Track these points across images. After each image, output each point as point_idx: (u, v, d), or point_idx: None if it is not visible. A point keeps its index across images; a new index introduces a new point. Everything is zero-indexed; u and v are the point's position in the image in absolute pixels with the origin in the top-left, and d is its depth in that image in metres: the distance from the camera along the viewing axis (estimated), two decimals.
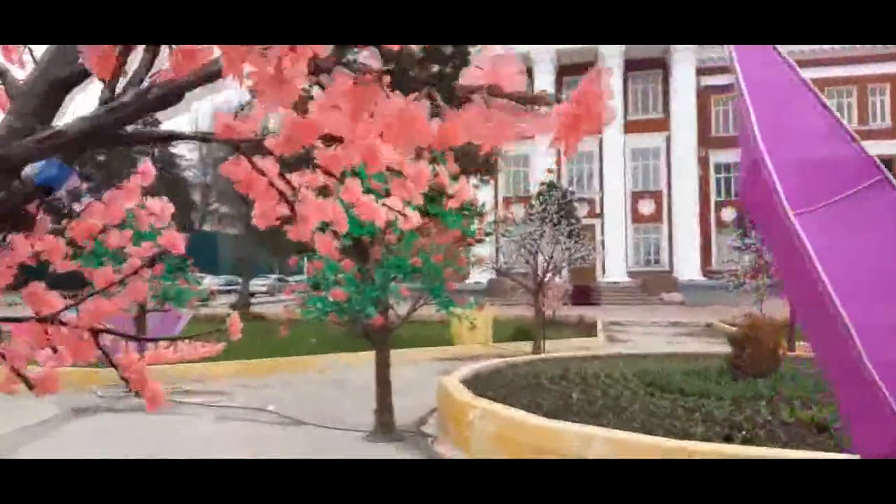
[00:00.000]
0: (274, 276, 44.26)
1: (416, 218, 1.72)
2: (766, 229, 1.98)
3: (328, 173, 1.42)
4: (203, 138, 1.34)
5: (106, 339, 1.47)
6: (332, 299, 5.05)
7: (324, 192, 1.47)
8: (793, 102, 2.11)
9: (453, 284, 5.72)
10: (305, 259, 5.56)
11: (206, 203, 51.77)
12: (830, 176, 1.98)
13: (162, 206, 1.82)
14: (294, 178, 1.43)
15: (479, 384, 6.48)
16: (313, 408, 7.66)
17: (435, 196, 5.95)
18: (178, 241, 1.62)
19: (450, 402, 5.95)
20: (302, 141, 1.22)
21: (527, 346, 11.91)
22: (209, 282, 39.15)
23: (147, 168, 1.68)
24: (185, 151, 50.32)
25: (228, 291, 38.33)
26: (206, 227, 53.62)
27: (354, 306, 5.16)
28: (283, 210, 1.41)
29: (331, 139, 1.27)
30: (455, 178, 5.17)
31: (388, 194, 1.40)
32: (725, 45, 2.05)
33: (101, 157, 44.16)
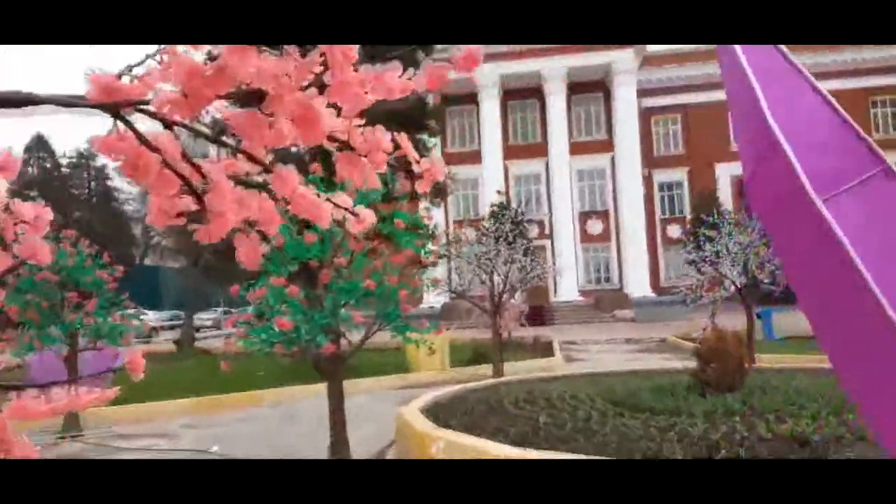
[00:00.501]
0: (220, 308, 42.98)
1: (369, 217, 1.33)
2: (781, 224, 1.72)
3: (249, 156, 1.04)
4: (71, 103, 0.98)
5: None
6: (277, 329, 4.64)
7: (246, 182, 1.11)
8: (796, 94, 1.87)
9: (408, 307, 5.36)
10: (247, 287, 5.12)
11: (148, 237, 50.09)
12: (839, 166, 1.74)
13: (37, 212, 1.44)
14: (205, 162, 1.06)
15: (441, 412, 6.12)
16: (264, 446, 7.16)
17: (385, 216, 5.64)
18: (41, 252, 1.20)
19: (410, 433, 5.56)
20: (206, 97, 0.89)
21: (485, 369, 11.59)
22: (152, 317, 37.82)
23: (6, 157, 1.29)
24: (123, 185, 48.72)
25: (173, 327, 36.99)
26: (148, 262, 51.93)
27: (302, 335, 4.76)
28: (189, 204, 1.02)
29: (249, 96, 0.93)
30: (404, 196, 4.72)
31: None
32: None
33: None
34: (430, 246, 5.65)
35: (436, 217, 23.44)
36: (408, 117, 12.51)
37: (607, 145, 32.51)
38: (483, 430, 5.10)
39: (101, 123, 0.96)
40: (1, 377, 12.53)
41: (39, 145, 43.33)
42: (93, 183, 45.97)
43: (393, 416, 8.43)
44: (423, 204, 14.95)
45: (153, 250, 51.54)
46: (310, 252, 5.28)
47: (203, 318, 38.56)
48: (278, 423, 8.64)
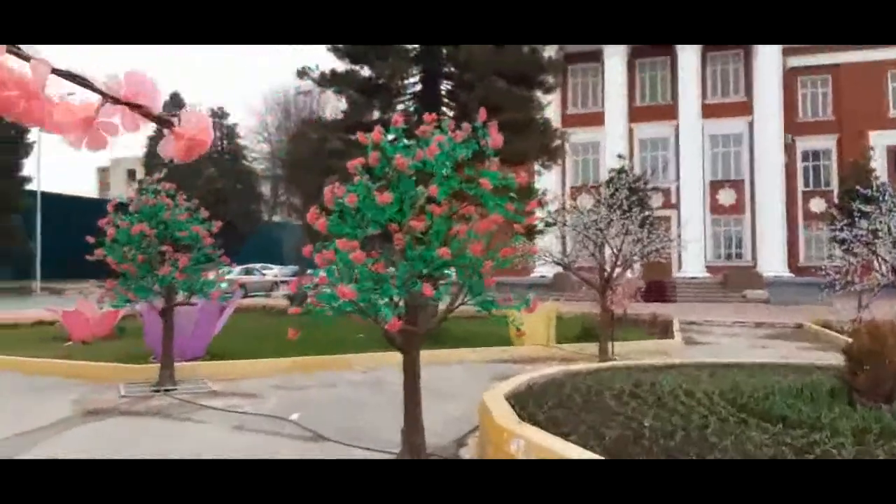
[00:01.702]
0: None
1: None
2: None
3: None
4: None
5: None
6: (340, 298, 4.08)
7: None
8: None
9: (491, 281, 4.64)
10: (319, 248, 4.61)
11: (276, 194, 52.06)
12: None
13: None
14: None
15: (531, 400, 5.40)
16: (341, 417, 6.77)
17: (473, 176, 4.92)
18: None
19: (490, 424, 4.90)
20: None
21: (593, 347, 10.71)
22: (277, 271, 39.41)
23: None
24: (252, 144, 50.73)
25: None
26: (276, 219, 54.12)
27: (367, 307, 4.18)
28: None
29: None
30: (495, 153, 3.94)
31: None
32: None
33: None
34: (537, 211, 4.84)
35: (551, 182, 22.39)
36: (520, 72, 11.63)
37: (745, 108, 29.83)
38: (574, 430, 4.34)
39: None
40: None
41: (175, 103, 45.80)
42: (224, 141, 48.14)
43: (480, 394, 7.81)
44: (534, 166, 14.06)
45: (281, 207, 53.65)
46: (385, 213, 4.67)
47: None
48: (364, 391, 8.27)
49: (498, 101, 9.68)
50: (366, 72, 12.78)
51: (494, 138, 4.77)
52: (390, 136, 4.90)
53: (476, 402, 7.23)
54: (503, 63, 11.20)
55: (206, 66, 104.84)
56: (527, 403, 5.25)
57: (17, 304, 24.26)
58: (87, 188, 65.59)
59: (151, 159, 44.61)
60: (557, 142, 13.10)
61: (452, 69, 12.55)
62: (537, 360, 10.84)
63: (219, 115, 47.32)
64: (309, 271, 35.19)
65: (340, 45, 12.18)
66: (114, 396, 7.84)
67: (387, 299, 4.28)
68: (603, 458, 3.69)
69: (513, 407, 5.11)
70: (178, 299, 8.43)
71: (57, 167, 61.96)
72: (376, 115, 12.52)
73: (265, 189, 52.17)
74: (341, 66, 12.69)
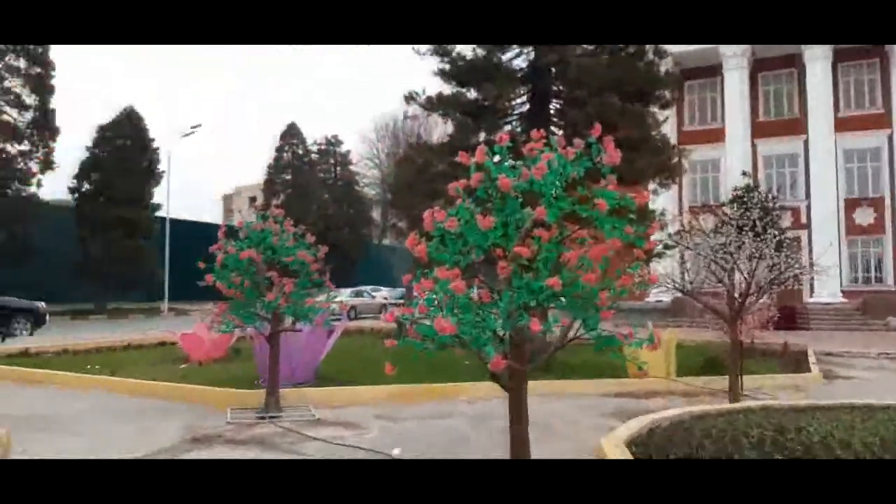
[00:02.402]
0: None
1: None
2: None
3: None
4: None
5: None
6: (439, 331, 3.70)
7: None
8: None
9: (608, 314, 4.12)
10: (418, 277, 4.28)
11: (386, 219, 53.19)
12: None
13: None
14: None
15: (654, 448, 4.79)
16: (443, 454, 6.38)
17: (587, 196, 4.44)
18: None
19: None
20: None
21: (721, 382, 9.76)
22: (386, 294, 39.99)
23: None
24: (364, 170, 52.14)
25: (402, 304, 38.73)
26: (386, 242, 55.26)
27: (468, 341, 3.78)
28: None
29: None
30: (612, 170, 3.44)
31: None
32: None
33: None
34: (656, 235, 4.30)
35: (667, 202, 21.27)
36: (635, 88, 10.98)
37: (883, 120, 27.26)
38: None
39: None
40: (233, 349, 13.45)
41: (292, 132, 47.88)
42: (338, 168, 49.77)
43: (597, 434, 7.19)
44: (650, 186, 13.25)
45: (390, 231, 54.78)
46: (488, 238, 4.27)
47: None
48: (469, 426, 7.84)
49: (612, 118, 9.11)
50: (472, 94, 12.56)
51: (611, 154, 4.28)
52: (495, 157, 4.52)
53: (590, 444, 6.65)
54: (616, 78, 10.63)
55: (321, 95, 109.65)
56: (650, 452, 4.65)
57: (147, 325, 25.82)
58: (212, 215, 69.79)
59: (270, 186, 46.77)
60: (675, 159, 12.28)
61: (561, 87, 12.09)
62: (656, 394, 10.03)
63: (332, 143, 49.04)
64: (404, 301, 35.38)
65: (447, 69, 12.07)
66: (220, 423, 7.85)
67: (490, 333, 3.85)
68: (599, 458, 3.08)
69: (634, 456, 4.52)
70: (284, 325, 8.40)
71: (183, 195, 66.40)
72: (482, 136, 12.23)
73: (375, 213, 53.44)
74: (447, 89, 12.57)
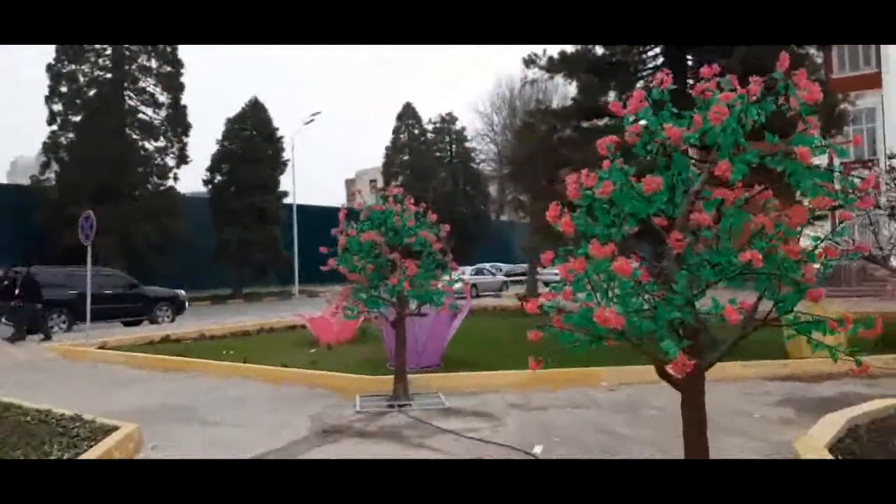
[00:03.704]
0: None
1: None
2: None
3: None
4: None
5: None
6: (601, 325, 2.98)
7: None
8: None
9: (818, 292, 3.24)
10: (562, 256, 3.59)
11: (503, 194, 52.47)
12: None
13: None
14: None
15: (862, 453, 3.84)
16: (593, 453, 5.66)
17: (777, 146, 3.53)
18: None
19: None
20: None
21: None
22: (505, 269, 39.42)
23: None
24: (481, 146, 51.51)
25: (522, 281, 38.02)
26: (504, 218, 54.58)
27: (639, 336, 3.04)
28: None
29: None
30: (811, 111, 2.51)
31: None
32: None
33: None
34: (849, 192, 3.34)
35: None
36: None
37: None
38: None
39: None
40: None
41: (408, 113, 47.98)
42: (453, 145, 49.45)
43: (773, 428, 6.22)
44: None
45: (508, 206, 53.98)
46: (652, 205, 3.48)
47: (549, 272, 38.88)
48: (617, 417, 7.06)
49: (765, 64, 7.84)
50: (598, 50, 11.51)
51: (810, 90, 3.35)
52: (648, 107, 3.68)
53: (770, 440, 5.72)
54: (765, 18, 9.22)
55: (435, 71, 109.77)
56: (860, 454, 3.71)
57: (281, 307, 26.73)
58: (337, 199, 71.97)
59: (389, 168, 47.26)
60: (842, 105, 10.62)
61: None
62: (827, 377, 8.76)
63: (447, 120, 48.74)
64: (546, 286, 34.56)
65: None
66: (350, 412, 7.54)
67: (665, 324, 3.08)
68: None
69: None
70: (409, 309, 7.95)
71: (310, 181, 68.76)
72: (612, 97, 11.20)
73: (492, 189, 52.80)
74: (570, 47, 11.58)
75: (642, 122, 3.60)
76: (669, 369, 3.00)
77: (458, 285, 7.98)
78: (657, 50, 11.60)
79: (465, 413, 7.37)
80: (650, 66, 11.68)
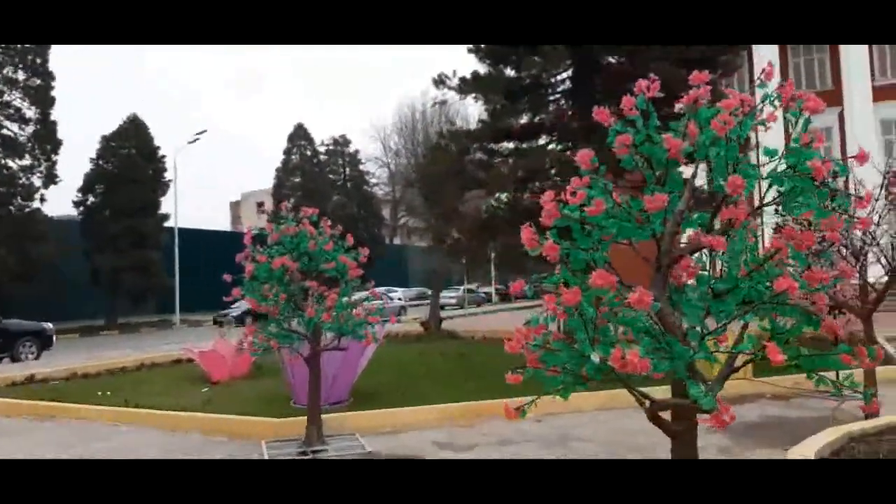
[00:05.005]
0: (463, 286, 43.05)
1: None
2: None
3: None
4: None
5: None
6: (611, 365, 2.48)
7: None
8: None
9: (835, 324, 2.91)
10: (538, 282, 3.10)
11: (396, 218, 52.15)
12: None
13: None
14: None
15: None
16: None
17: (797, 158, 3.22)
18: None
19: None
20: None
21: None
22: (401, 294, 38.86)
23: None
24: (374, 168, 51.02)
25: (418, 305, 37.58)
26: (396, 241, 54.20)
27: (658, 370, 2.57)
28: None
29: None
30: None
31: None
32: None
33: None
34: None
35: None
36: (697, 52, 9.70)
37: None
38: None
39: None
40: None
41: (300, 133, 46.71)
42: (347, 168, 48.61)
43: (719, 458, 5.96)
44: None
45: (401, 230, 53.60)
46: (647, 227, 3.06)
47: (447, 296, 38.75)
48: (544, 449, 6.63)
49: (676, 88, 7.86)
50: (509, 72, 11.31)
51: (811, 102, 3.06)
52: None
53: None
54: (678, 43, 9.35)
55: (329, 94, 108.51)
56: None
57: (160, 339, 24.71)
58: (220, 222, 68.80)
59: (279, 190, 45.64)
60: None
61: (612, 58, 10.83)
62: (744, 399, 8.80)
63: (341, 142, 47.90)
64: (445, 291, 33.80)
65: (482, 45, 10.81)
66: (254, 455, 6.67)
67: (682, 364, 2.62)
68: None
69: None
70: (325, 342, 7.21)
71: (192, 203, 65.35)
72: (524, 119, 11.03)
73: (385, 213, 52.35)
74: (482, 68, 11.31)
75: (631, 134, 3.18)
76: (710, 423, 2.53)
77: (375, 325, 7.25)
78: (565, 74, 11.57)
79: (389, 457, 6.70)
80: (559, 89, 11.63)
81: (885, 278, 6.54)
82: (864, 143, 25.09)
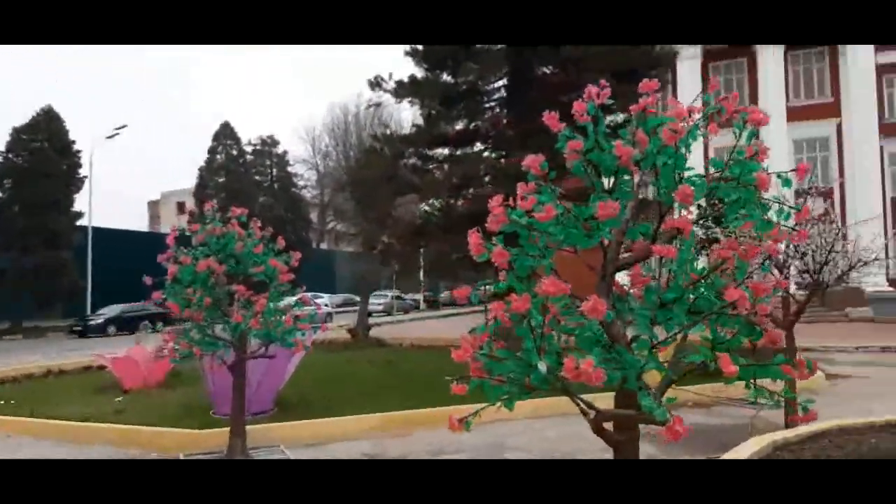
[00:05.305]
0: (391, 293, 42.74)
1: None
2: None
3: None
4: None
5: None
6: (570, 377, 2.39)
7: None
8: None
9: (778, 334, 2.93)
10: (480, 287, 3.00)
11: (324, 221, 51.34)
12: None
13: None
14: None
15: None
16: None
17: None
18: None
19: None
20: None
21: (726, 389, 8.77)
22: (327, 300, 38.20)
23: None
24: (302, 170, 50.14)
25: (346, 311, 37.05)
26: (324, 246, 53.37)
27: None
28: None
29: None
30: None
31: None
32: None
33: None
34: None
35: None
36: (629, 68, 9.91)
37: (832, 110, 27.44)
38: None
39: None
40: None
41: (226, 132, 45.40)
42: (274, 169, 47.54)
43: None
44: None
45: (329, 235, 52.79)
46: (597, 234, 3.00)
47: (374, 302, 38.37)
48: (483, 458, 6.54)
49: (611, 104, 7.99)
50: (446, 77, 11.24)
51: (755, 114, 3.09)
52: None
53: None
54: (610, 58, 9.52)
55: (258, 93, 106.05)
56: None
57: (68, 344, 23.35)
58: (138, 222, 65.95)
59: (202, 190, 44.16)
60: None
61: (547, 69, 10.92)
62: None
63: (269, 143, 46.83)
64: (373, 297, 33.23)
65: (420, 48, 10.69)
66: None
67: (634, 373, 2.57)
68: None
69: None
70: (252, 350, 6.89)
71: (108, 201, 62.41)
72: (460, 125, 10.97)
73: (313, 216, 51.47)
74: (419, 72, 11.19)
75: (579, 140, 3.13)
76: (664, 434, 2.47)
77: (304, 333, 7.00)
78: (501, 82, 11.60)
79: None
80: (495, 97, 11.65)
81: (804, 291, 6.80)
82: (778, 163, 26.42)
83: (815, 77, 28.14)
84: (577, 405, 3.01)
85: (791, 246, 6.27)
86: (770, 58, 26.79)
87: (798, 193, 7.07)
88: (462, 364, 2.92)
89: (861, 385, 10.89)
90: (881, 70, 28.09)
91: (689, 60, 27.49)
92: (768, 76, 26.91)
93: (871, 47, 26.33)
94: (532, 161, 3.14)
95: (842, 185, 27.23)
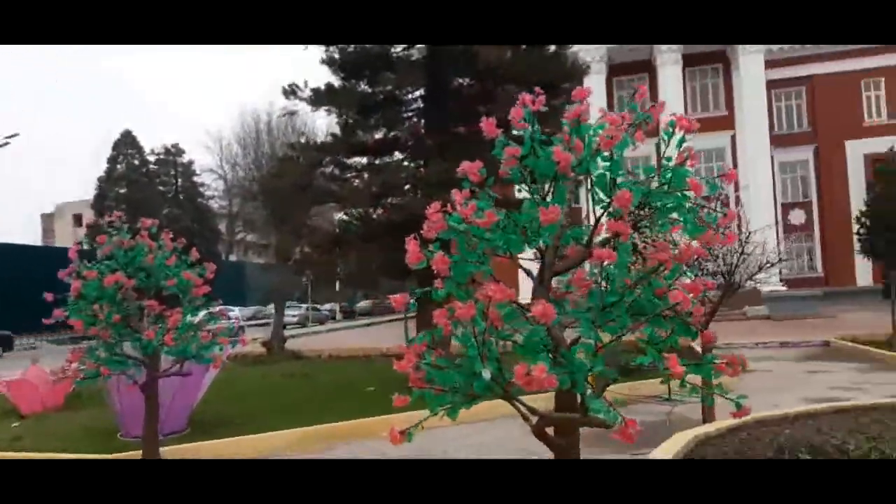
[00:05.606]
0: (305, 305, 41.88)
1: None
2: None
3: None
4: None
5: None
6: (521, 384, 2.36)
7: None
8: None
9: (710, 336, 3.03)
10: (417, 295, 2.94)
11: (233, 233, 49.79)
12: None
13: None
14: None
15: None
16: None
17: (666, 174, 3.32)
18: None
19: None
20: None
21: (647, 386, 9.08)
22: (238, 313, 37.00)
23: None
24: (209, 181, 48.48)
25: (256, 324, 36.02)
26: (233, 258, 51.81)
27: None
28: None
29: None
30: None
31: None
32: None
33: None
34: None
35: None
36: (544, 79, 10.11)
37: (727, 122, 29.17)
38: None
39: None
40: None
41: (127, 141, 43.34)
42: (179, 179, 45.76)
43: None
44: None
45: (238, 245, 51.23)
46: (536, 239, 3.02)
47: (288, 314, 37.48)
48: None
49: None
50: (363, 86, 11.11)
51: (685, 122, 3.19)
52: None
53: None
54: (524, 70, 9.70)
55: (165, 101, 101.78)
56: None
57: None
58: (30, 236, 61.74)
59: (101, 201, 41.90)
60: None
61: (463, 80, 11.00)
62: None
63: (173, 152, 45.04)
64: (287, 309, 32.41)
65: (336, 57, 10.53)
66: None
67: (583, 377, 2.57)
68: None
69: None
70: (165, 367, 6.54)
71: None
72: (379, 134, 10.88)
73: (221, 227, 49.86)
74: (336, 80, 11.00)
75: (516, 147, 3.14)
76: (617, 437, 2.48)
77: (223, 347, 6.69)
78: (418, 93, 11.61)
79: None
80: (413, 107, 11.63)
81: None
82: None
83: (710, 92, 29.85)
84: (518, 410, 3.00)
85: (707, 249, 6.56)
86: (670, 73, 28.18)
87: (708, 199, 7.42)
88: (386, 375, 2.87)
89: (765, 379, 11.49)
90: (770, 85, 30.15)
91: (595, 75, 28.55)
92: (668, 90, 28.26)
93: (761, 64, 28.17)
94: (470, 167, 3.12)
95: (735, 192, 28.95)
